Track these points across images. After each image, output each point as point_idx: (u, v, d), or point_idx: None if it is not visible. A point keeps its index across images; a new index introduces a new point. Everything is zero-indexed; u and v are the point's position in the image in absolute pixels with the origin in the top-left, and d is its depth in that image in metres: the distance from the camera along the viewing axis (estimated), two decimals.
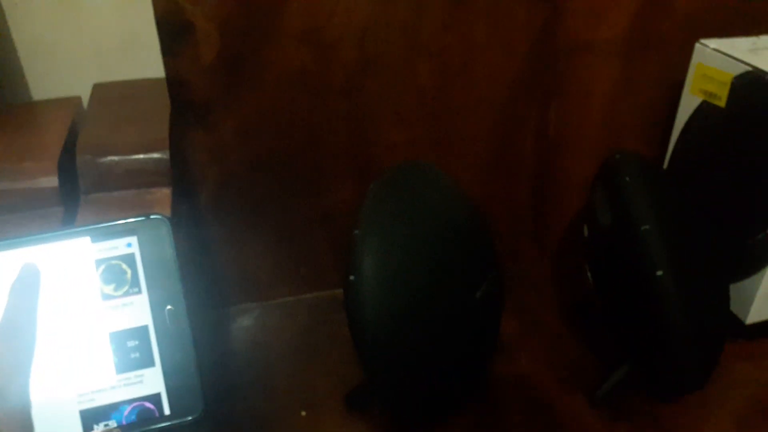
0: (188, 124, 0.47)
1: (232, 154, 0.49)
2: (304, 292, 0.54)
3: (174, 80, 0.46)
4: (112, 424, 0.29)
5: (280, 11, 0.45)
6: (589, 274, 0.45)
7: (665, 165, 0.54)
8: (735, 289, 0.48)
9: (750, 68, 0.44)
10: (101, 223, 0.30)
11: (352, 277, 0.36)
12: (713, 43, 0.48)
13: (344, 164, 0.50)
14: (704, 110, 0.49)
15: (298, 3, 0.45)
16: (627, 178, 0.39)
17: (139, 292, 0.30)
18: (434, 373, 0.40)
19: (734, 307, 0.49)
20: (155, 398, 0.30)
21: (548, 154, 0.54)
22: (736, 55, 0.46)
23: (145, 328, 0.30)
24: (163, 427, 0.29)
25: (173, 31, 0.45)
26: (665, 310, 0.37)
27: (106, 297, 0.30)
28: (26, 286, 0.28)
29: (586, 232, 0.47)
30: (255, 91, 0.47)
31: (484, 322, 0.42)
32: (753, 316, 0.48)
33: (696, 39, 0.48)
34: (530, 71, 0.51)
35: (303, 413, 0.44)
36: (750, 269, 0.46)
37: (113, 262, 0.30)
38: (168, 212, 0.43)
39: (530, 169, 0.55)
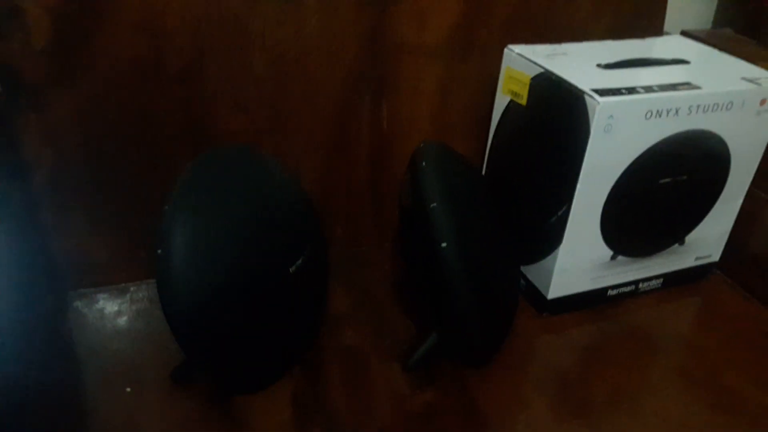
0: (18, 108, 0.48)
1: (66, 137, 0.50)
2: (144, 276, 0.55)
3: (2, 64, 0.46)
4: None
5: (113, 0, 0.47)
6: (401, 252, 0.49)
7: (485, 158, 0.60)
8: (537, 269, 0.55)
9: (543, 70, 0.51)
10: None
11: (159, 251, 0.38)
12: (518, 48, 0.54)
13: (183, 150, 0.52)
14: (511, 108, 0.55)
15: None
16: (423, 163, 0.44)
17: None
18: (251, 344, 0.43)
19: (538, 285, 0.55)
20: None
21: (383, 145, 0.58)
22: (534, 59, 0.52)
23: None
24: None
25: (1, 15, 0.45)
26: (449, 280, 0.41)
27: None
28: None
29: None
30: (89, 75, 0.48)
31: (301, 295, 0.45)
32: (553, 292, 0.54)
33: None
34: (362, 68, 0.55)
35: (128, 389, 0.46)
36: (547, 249, 0.53)
37: None
38: None
39: (367, 159, 0.59)
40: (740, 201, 0.58)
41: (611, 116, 0.46)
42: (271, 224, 0.43)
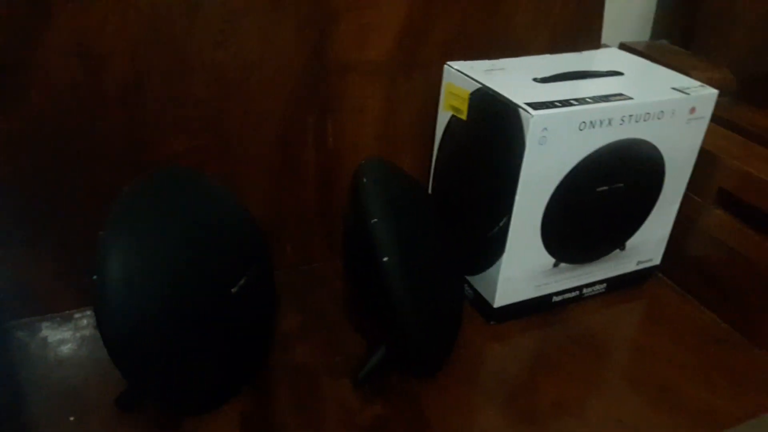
0: None
1: None
2: (88, 303, 0.54)
3: None
4: None
5: (45, 25, 0.46)
6: (346, 268, 0.50)
7: (431, 173, 0.61)
8: (483, 278, 0.56)
9: (480, 85, 0.52)
10: None
11: (94, 277, 0.38)
12: (457, 65, 0.55)
13: (125, 174, 0.51)
14: (453, 123, 0.56)
15: (65, 17, 0.46)
16: (364, 180, 0.45)
17: None
18: (194, 366, 0.42)
19: (485, 294, 0.56)
20: None
21: (329, 163, 0.59)
22: (472, 75, 0.53)
23: None
24: None
25: None
26: (392, 293, 0.42)
27: None
28: None
29: None
30: (22, 103, 0.47)
31: (246, 315, 0.45)
32: (499, 301, 0.55)
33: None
34: (305, 87, 0.55)
35: (71, 418, 0.45)
36: (491, 259, 0.54)
37: None
38: None
39: (314, 177, 0.59)
40: (677, 206, 0.60)
41: (545, 128, 0.48)
42: (211, 245, 0.42)
